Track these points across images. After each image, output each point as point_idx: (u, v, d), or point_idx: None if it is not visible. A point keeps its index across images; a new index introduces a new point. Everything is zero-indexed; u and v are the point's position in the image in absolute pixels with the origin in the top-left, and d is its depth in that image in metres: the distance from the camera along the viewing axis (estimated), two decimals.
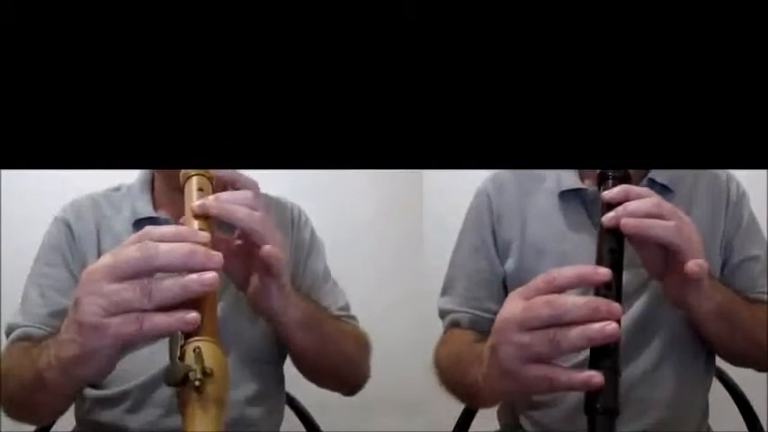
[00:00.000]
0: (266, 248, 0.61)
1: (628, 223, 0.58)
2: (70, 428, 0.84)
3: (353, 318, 0.90)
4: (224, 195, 0.61)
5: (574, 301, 0.53)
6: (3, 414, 0.73)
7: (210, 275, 0.51)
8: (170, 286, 0.50)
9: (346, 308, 0.90)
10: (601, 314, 0.52)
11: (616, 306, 0.53)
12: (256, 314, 0.77)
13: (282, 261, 0.63)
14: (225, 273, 0.63)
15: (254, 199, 0.62)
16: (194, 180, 0.62)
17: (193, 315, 0.50)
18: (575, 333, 0.52)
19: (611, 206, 0.61)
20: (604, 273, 0.55)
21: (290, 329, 0.71)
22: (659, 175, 0.79)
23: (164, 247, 0.51)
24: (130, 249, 0.52)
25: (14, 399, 0.67)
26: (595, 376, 0.52)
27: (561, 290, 0.55)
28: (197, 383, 0.46)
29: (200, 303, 0.52)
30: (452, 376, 0.80)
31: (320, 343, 0.74)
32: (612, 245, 0.59)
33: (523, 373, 0.55)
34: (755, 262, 0.81)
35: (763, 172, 1.32)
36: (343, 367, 0.81)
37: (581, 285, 0.56)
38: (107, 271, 0.51)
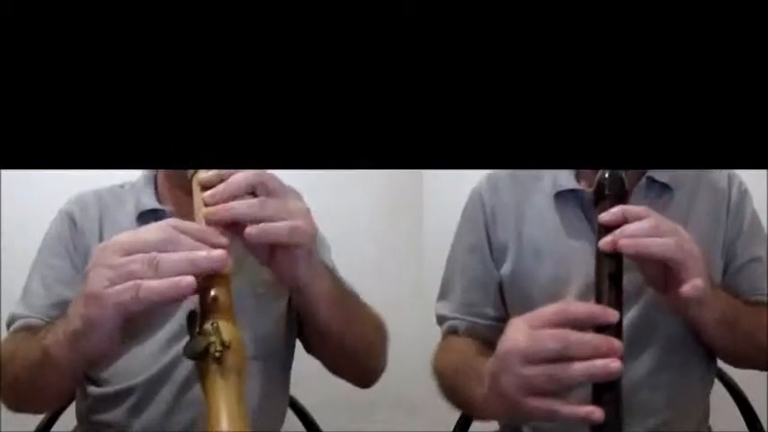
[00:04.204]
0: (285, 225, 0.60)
1: (625, 244, 0.58)
2: (70, 429, 0.84)
3: (369, 306, 0.89)
4: (228, 181, 0.60)
5: (578, 338, 0.54)
6: (3, 413, 0.73)
7: (219, 252, 0.53)
8: (178, 259, 0.51)
9: None
10: (603, 350, 0.53)
11: (618, 343, 0.54)
12: (266, 306, 0.78)
13: (306, 231, 0.62)
14: (248, 250, 0.64)
15: (253, 178, 0.61)
16: (200, 173, 0.63)
17: (188, 279, 0.51)
18: (578, 370, 0.53)
19: (608, 229, 0.60)
20: (614, 315, 0.55)
21: (317, 301, 0.69)
22: (659, 173, 0.78)
23: (184, 238, 0.53)
24: (152, 229, 0.53)
25: (19, 381, 0.67)
26: (596, 411, 0.53)
27: (569, 324, 0.55)
28: (217, 354, 0.48)
29: (215, 284, 0.53)
30: (451, 388, 0.79)
31: (345, 320, 0.73)
32: (611, 269, 0.59)
33: (524, 404, 0.55)
34: (758, 263, 0.81)
35: (763, 172, 1.32)
36: (363, 352, 0.79)
37: (591, 324, 0.56)
38: (120, 245, 0.52)
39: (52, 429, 0.96)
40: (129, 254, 0.52)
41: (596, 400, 0.54)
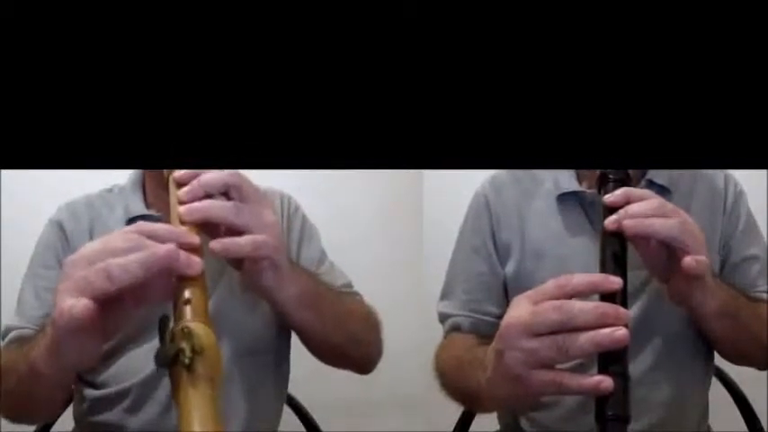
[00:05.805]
0: (249, 240, 0.60)
1: (629, 224, 0.58)
2: (70, 429, 0.84)
3: (357, 294, 0.89)
4: (202, 178, 0.60)
5: (582, 306, 0.53)
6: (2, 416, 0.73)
7: (168, 247, 0.51)
8: (127, 264, 0.50)
9: (348, 286, 0.89)
10: (609, 319, 0.52)
11: (624, 311, 0.53)
12: (254, 303, 0.77)
13: (271, 245, 0.62)
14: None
15: (230, 179, 0.61)
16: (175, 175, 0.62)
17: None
18: (583, 339, 0.52)
19: (612, 210, 0.60)
20: (616, 281, 0.55)
21: (287, 307, 0.69)
22: (657, 176, 0.79)
23: (152, 243, 0.52)
24: (117, 237, 0.52)
25: (13, 394, 0.67)
26: (605, 381, 0.52)
27: (571, 296, 0.54)
28: (187, 362, 0.46)
29: (189, 286, 0.52)
30: (454, 381, 0.79)
31: (320, 320, 0.73)
32: (615, 249, 0.59)
33: (531, 378, 0.54)
34: (754, 261, 0.81)
35: (763, 172, 1.32)
36: (348, 345, 0.79)
37: (592, 293, 0.56)
38: (87, 257, 0.52)
39: (52, 430, 0.96)
40: (90, 264, 0.50)
41: (602, 373, 0.53)
